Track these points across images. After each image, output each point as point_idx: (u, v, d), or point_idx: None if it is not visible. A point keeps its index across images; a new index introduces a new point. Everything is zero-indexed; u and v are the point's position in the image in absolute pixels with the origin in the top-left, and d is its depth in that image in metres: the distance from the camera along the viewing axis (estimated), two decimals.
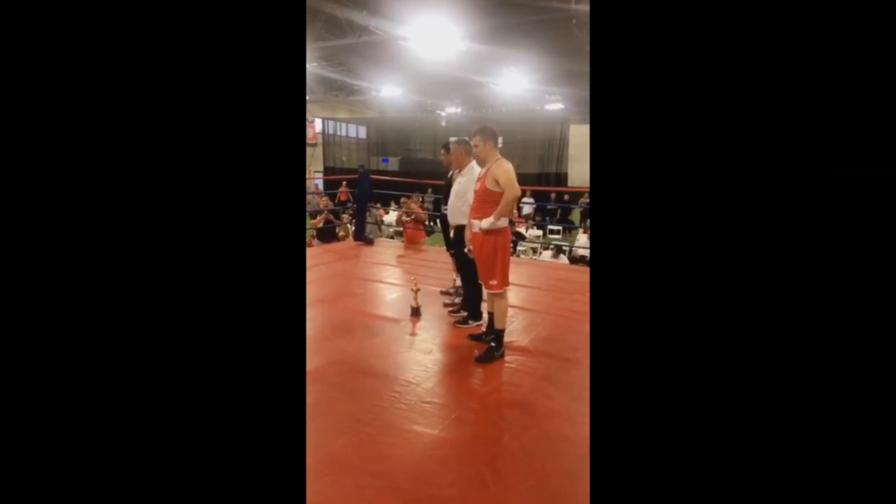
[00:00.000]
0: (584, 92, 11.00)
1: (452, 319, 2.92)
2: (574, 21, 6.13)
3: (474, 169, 2.68)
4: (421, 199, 7.73)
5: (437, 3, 5.82)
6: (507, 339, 2.52)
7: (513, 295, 3.60)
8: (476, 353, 2.40)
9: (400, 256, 5.00)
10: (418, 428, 1.76)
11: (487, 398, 2.02)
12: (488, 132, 2.35)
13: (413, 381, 2.13)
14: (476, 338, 2.60)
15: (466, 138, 2.61)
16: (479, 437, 1.73)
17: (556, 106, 12.90)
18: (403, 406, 1.91)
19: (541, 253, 6.29)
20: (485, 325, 2.68)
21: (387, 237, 7.63)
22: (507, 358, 2.38)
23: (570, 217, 10.18)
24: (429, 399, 1.97)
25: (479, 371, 2.28)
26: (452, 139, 2.91)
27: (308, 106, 13.48)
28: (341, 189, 9.17)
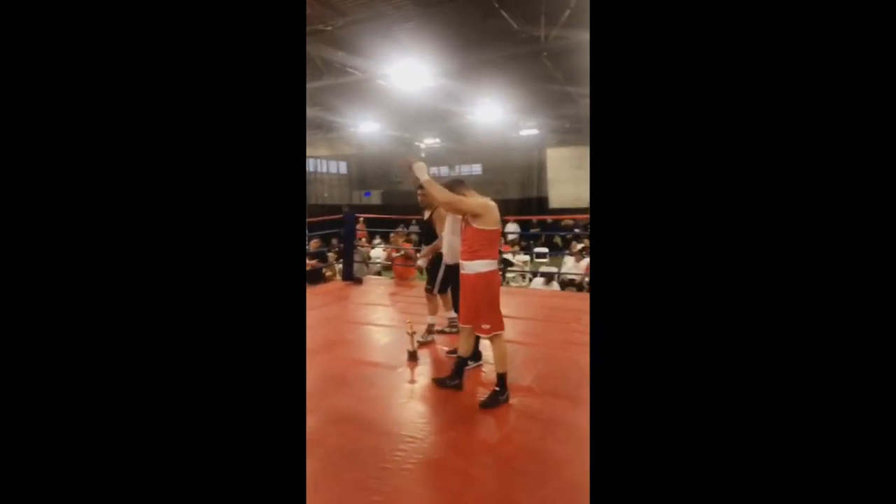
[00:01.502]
0: (558, 119, 11.31)
1: (451, 360, 2.83)
2: (545, 53, 6.34)
3: None
4: (406, 232, 7.68)
5: (412, 43, 5.96)
6: (509, 378, 2.42)
7: (510, 327, 3.54)
8: (480, 398, 2.32)
9: (392, 294, 4.91)
10: (429, 491, 1.66)
11: (498, 449, 1.92)
12: (456, 184, 2.32)
13: (418, 436, 2.02)
14: (440, 382, 2.47)
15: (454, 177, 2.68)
16: (493, 496, 1.64)
17: (531, 132, 13.23)
18: (410, 466, 1.80)
19: (531, 280, 6.27)
20: (483, 365, 2.62)
21: (374, 274, 7.53)
22: (512, 400, 2.30)
23: (553, 241, 10.26)
24: (436, 456, 1.87)
25: (485, 419, 2.19)
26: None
27: None
28: (359, 227, 8.68)
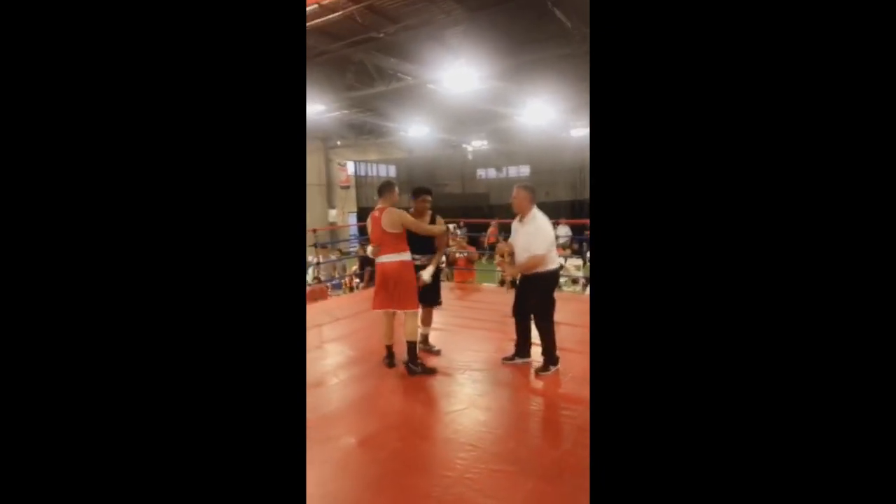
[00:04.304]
0: None
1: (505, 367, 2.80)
2: None
3: (537, 217, 2.66)
4: (459, 234, 7.64)
5: (463, 46, 5.97)
6: (570, 390, 2.38)
7: (566, 335, 3.44)
8: (531, 406, 2.26)
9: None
10: (491, 502, 1.63)
11: (562, 463, 1.87)
12: (385, 188, 2.77)
13: (478, 444, 2.00)
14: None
15: (529, 185, 2.74)
16: None
17: (582, 131, 12.85)
18: (472, 476, 1.78)
19: (584, 286, 6.08)
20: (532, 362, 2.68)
21: None
22: (575, 414, 2.23)
23: None
24: (498, 466, 1.84)
25: (547, 431, 2.14)
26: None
27: (340, 150, 13.98)
28: (490, 230, 8.29)
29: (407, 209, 2.96)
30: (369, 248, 2.73)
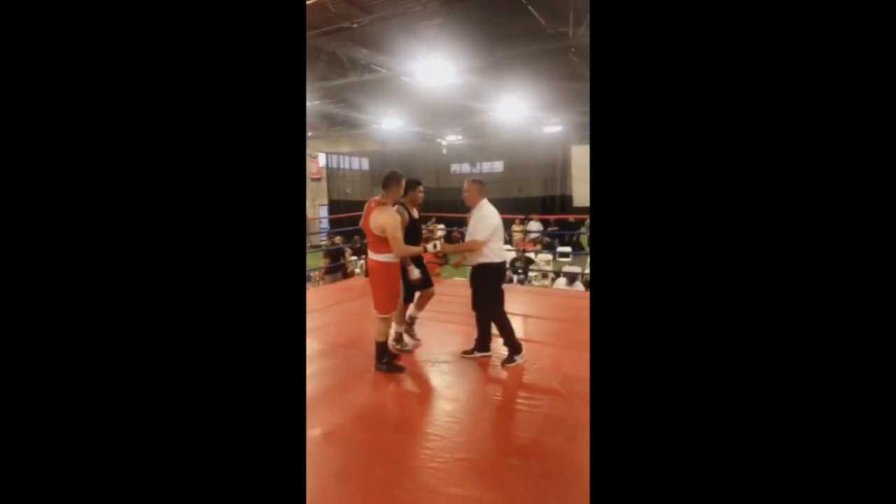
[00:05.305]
0: (583, 115, 11.12)
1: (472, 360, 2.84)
2: (573, 49, 6.23)
3: (483, 207, 2.76)
4: (429, 229, 7.67)
5: (438, 40, 5.94)
6: (536, 380, 2.44)
7: (534, 328, 3.52)
8: (495, 397, 2.30)
9: None
10: (455, 490, 1.66)
11: (526, 451, 1.91)
12: (403, 181, 2.61)
13: (444, 434, 2.03)
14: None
15: (478, 179, 2.84)
16: (520, 499, 1.62)
17: (555, 128, 13.03)
18: (437, 464, 1.80)
19: (553, 280, 6.20)
20: (492, 354, 2.78)
21: None
22: (540, 403, 2.29)
23: (576, 240, 10.09)
24: (463, 455, 1.87)
25: (512, 420, 2.18)
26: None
27: (311, 141, 13.70)
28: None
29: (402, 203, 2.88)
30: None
